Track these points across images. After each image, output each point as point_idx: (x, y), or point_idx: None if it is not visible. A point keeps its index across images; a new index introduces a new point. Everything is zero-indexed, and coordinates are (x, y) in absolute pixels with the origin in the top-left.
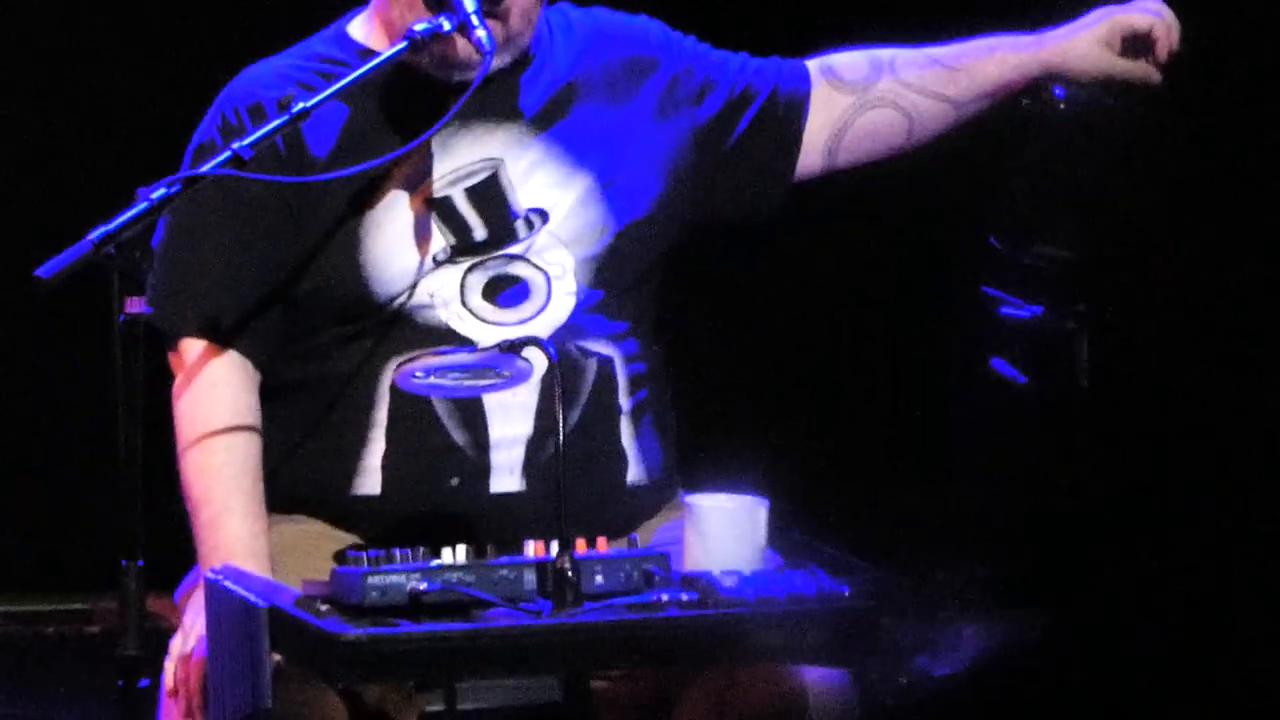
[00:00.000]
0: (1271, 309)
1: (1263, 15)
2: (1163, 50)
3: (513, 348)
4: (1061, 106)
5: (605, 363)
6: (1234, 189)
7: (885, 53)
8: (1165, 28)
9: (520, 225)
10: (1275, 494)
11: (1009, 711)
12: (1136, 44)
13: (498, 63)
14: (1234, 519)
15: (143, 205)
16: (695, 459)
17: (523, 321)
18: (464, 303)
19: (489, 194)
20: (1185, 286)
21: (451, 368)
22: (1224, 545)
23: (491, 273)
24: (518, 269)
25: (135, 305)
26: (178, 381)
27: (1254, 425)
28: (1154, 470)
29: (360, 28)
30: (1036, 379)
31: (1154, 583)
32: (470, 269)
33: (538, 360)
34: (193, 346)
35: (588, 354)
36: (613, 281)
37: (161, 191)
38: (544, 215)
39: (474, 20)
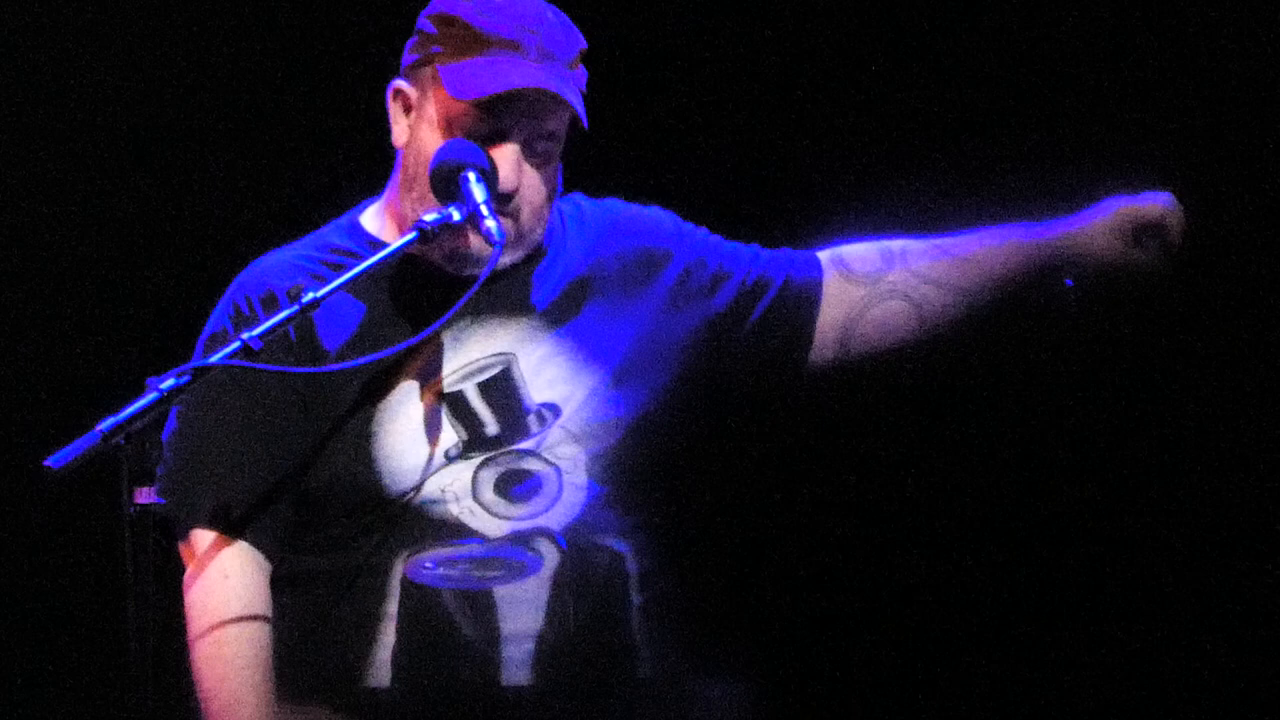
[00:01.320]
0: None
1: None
2: (1174, 240)
3: (521, 539)
4: (1072, 296)
5: (617, 557)
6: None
7: (895, 243)
8: (1177, 218)
9: (532, 420)
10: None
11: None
12: (1147, 234)
13: (509, 258)
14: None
15: (152, 395)
16: (708, 652)
17: (534, 516)
18: (476, 498)
19: (501, 389)
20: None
21: (461, 558)
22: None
23: (503, 468)
24: (529, 463)
25: (145, 496)
26: (189, 572)
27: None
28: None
29: (373, 219)
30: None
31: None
32: (482, 464)
33: (547, 552)
34: (204, 537)
35: (599, 548)
36: (624, 476)
37: (171, 382)
38: (556, 411)
39: (484, 210)
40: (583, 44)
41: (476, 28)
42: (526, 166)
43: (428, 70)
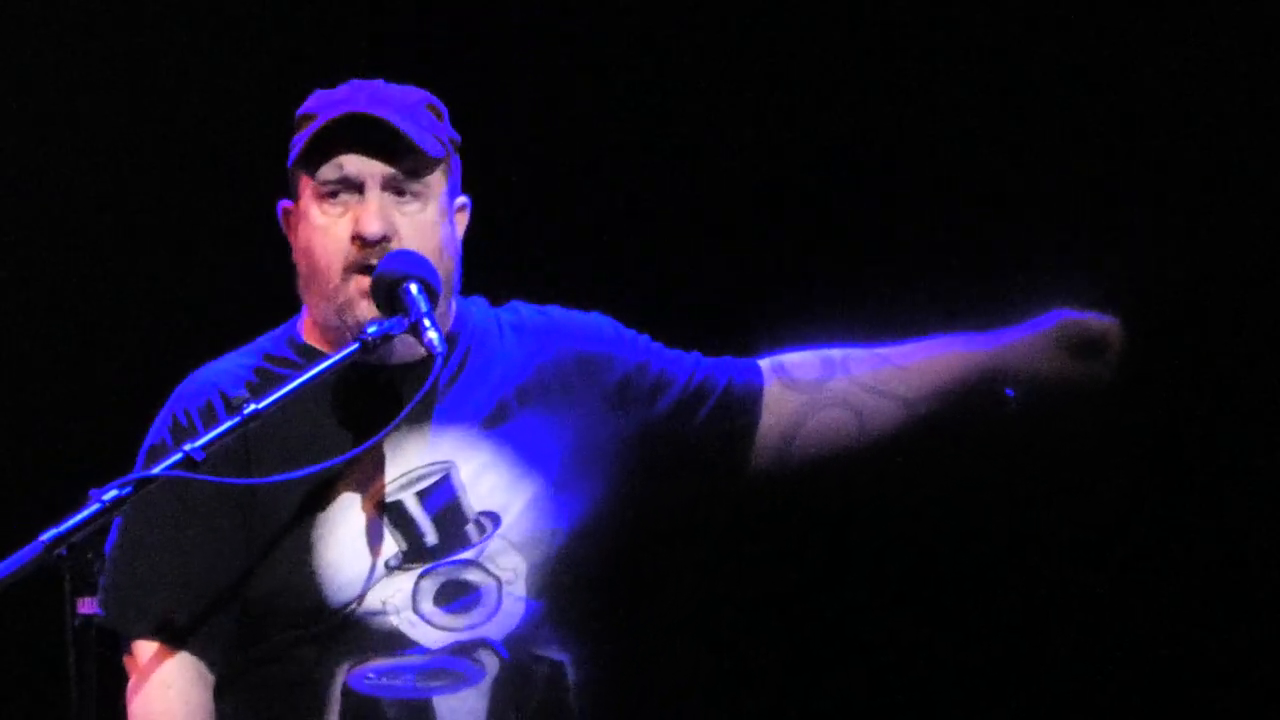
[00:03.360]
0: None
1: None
2: (1114, 355)
3: (463, 650)
4: (1012, 407)
5: (557, 666)
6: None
7: (837, 352)
8: (1119, 334)
9: (472, 529)
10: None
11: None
12: (1089, 348)
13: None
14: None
15: (94, 506)
16: None
17: (473, 627)
18: (416, 609)
19: (440, 498)
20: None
21: (404, 669)
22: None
23: (444, 578)
24: (470, 574)
25: (88, 606)
26: (130, 682)
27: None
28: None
29: (303, 325)
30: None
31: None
32: (423, 575)
33: (489, 663)
34: (145, 648)
35: (538, 659)
36: (565, 586)
37: (113, 493)
38: (495, 519)
39: (426, 322)
40: (431, 99)
41: (314, 111)
42: (397, 213)
43: (293, 173)
